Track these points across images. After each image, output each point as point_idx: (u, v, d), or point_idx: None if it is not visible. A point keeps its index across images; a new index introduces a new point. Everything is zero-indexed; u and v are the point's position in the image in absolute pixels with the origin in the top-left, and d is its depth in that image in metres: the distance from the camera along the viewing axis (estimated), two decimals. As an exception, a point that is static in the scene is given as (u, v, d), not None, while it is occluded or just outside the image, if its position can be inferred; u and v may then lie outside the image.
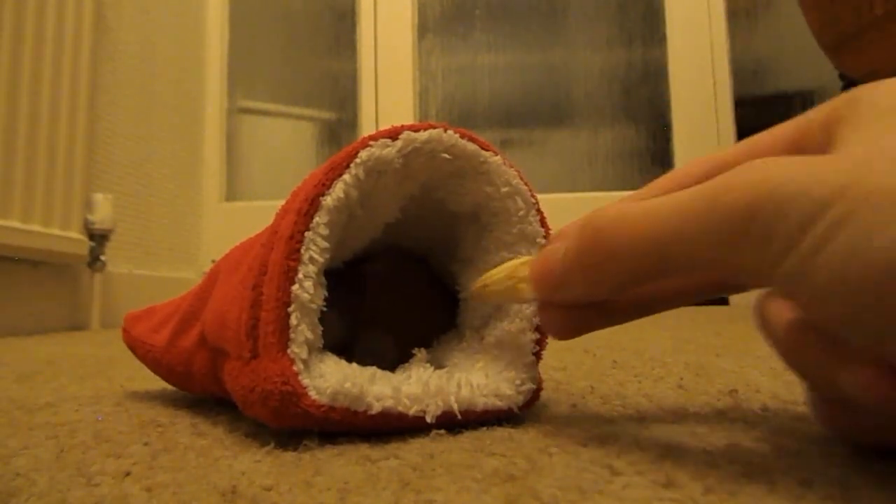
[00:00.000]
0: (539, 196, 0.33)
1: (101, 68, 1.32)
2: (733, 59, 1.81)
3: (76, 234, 1.19)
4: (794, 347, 0.21)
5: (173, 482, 0.21)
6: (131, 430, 0.30)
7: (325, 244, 0.27)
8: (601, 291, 0.22)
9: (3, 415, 0.35)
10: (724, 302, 1.72)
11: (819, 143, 0.21)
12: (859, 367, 0.18)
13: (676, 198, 0.19)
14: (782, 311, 0.20)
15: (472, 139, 0.30)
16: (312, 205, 0.27)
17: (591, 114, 1.86)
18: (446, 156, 0.30)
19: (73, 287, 1.23)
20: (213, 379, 0.32)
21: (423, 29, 1.91)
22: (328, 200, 0.27)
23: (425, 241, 0.36)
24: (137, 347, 0.39)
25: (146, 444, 0.27)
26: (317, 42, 1.95)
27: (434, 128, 0.29)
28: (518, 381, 0.29)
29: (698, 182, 0.24)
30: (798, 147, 0.22)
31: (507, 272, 0.27)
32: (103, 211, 1.27)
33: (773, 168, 0.17)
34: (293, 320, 0.26)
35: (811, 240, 0.16)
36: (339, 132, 1.92)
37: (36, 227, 1.08)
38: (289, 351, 0.25)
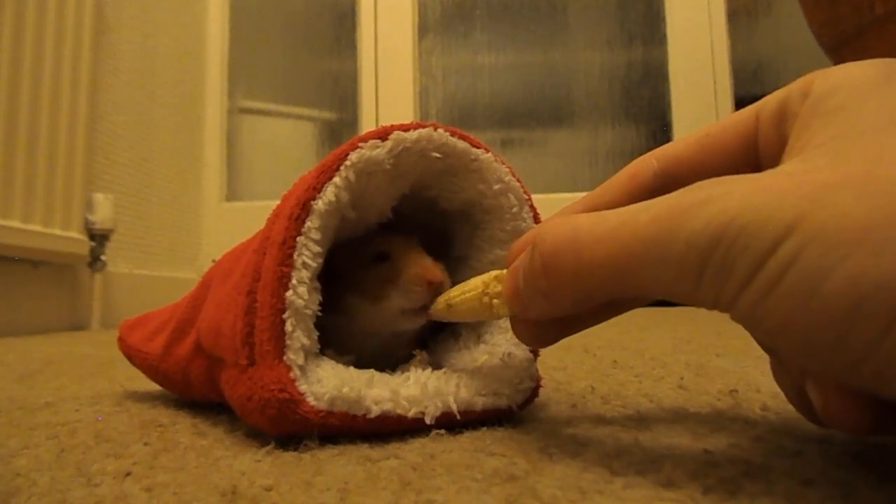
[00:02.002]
0: (539, 196, 0.33)
1: (101, 68, 1.32)
2: (733, 59, 1.81)
3: (76, 234, 1.19)
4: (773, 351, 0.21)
5: (173, 482, 0.21)
6: (132, 431, 0.30)
7: (317, 248, 0.27)
8: (562, 310, 0.22)
9: (4, 415, 0.35)
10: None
11: (771, 141, 0.21)
12: (824, 387, 0.18)
13: (634, 220, 0.18)
14: None
15: (462, 137, 0.30)
16: (304, 209, 0.27)
17: (591, 114, 1.86)
18: (437, 154, 0.29)
19: (73, 287, 1.23)
20: (211, 386, 0.32)
21: (424, 29, 1.91)
22: (319, 204, 0.27)
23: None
24: (134, 356, 0.39)
25: (146, 444, 0.27)
26: (317, 42, 1.95)
27: (424, 127, 0.29)
28: (517, 380, 0.29)
29: (651, 185, 0.24)
30: (751, 140, 0.22)
31: (481, 288, 0.27)
32: (104, 211, 1.27)
33: (727, 199, 0.16)
34: (288, 326, 0.26)
35: (766, 275, 0.15)
36: (340, 132, 1.92)
37: (36, 227, 1.08)
38: (285, 358, 0.25)
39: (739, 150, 0.22)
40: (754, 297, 0.16)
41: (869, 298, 0.14)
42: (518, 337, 0.26)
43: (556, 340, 0.25)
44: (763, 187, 0.16)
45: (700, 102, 1.79)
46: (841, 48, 0.87)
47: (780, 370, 0.22)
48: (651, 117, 1.83)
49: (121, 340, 0.40)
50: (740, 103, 1.79)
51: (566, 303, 0.21)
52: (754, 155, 0.22)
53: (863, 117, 0.17)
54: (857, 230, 0.14)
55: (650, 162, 0.24)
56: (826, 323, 0.14)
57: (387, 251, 0.31)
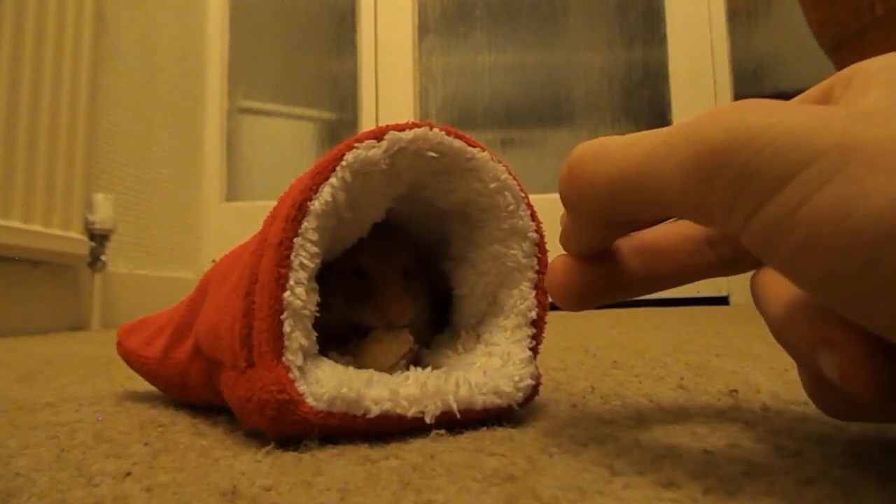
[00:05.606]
0: (540, 196, 0.33)
1: (101, 68, 1.32)
2: (733, 59, 1.81)
3: (77, 234, 1.19)
4: (783, 323, 0.21)
5: (173, 482, 0.21)
6: (132, 431, 0.30)
7: (314, 249, 0.27)
8: (585, 226, 0.22)
9: (4, 415, 0.35)
10: (724, 302, 1.72)
11: None
12: (840, 351, 0.17)
13: (659, 131, 0.18)
14: (776, 286, 0.20)
15: (458, 136, 0.30)
16: (300, 210, 0.27)
17: (591, 114, 1.86)
18: (432, 154, 0.29)
19: (73, 287, 1.23)
20: (210, 389, 0.32)
21: (424, 29, 1.91)
22: (316, 205, 0.27)
23: (415, 241, 0.36)
24: (132, 360, 0.39)
25: (146, 444, 0.27)
26: (317, 42, 1.95)
27: (419, 126, 0.29)
28: (517, 378, 0.29)
29: None
30: None
31: None
32: (104, 211, 1.27)
33: (757, 109, 0.16)
34: (286, 327, 0.26)
35: (792, 191, 0.14)
36: (339, 132, 1.92)
37: (36, 227, 1.08)
38: (284, 359, 0.25)
39: None
40: (779, 211, 0.15)
41: None
42: (550, 290, 0.25)
43: (592, 299, 0.24)
44: (805, 109, 0.15)
45: (700, 102, 1.79)
46: (841, 48, 0.87)
47: (808, 379, 0.21)
48: (651, 117, 1.83)
49: (119, 345, 0.40)
50: (740, 103, 1.78)
51: (588, 215, 0.21)
52: None
53: None
54: None
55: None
56: (855, 247, 0.14)
57: (364, 270, 0.33)
